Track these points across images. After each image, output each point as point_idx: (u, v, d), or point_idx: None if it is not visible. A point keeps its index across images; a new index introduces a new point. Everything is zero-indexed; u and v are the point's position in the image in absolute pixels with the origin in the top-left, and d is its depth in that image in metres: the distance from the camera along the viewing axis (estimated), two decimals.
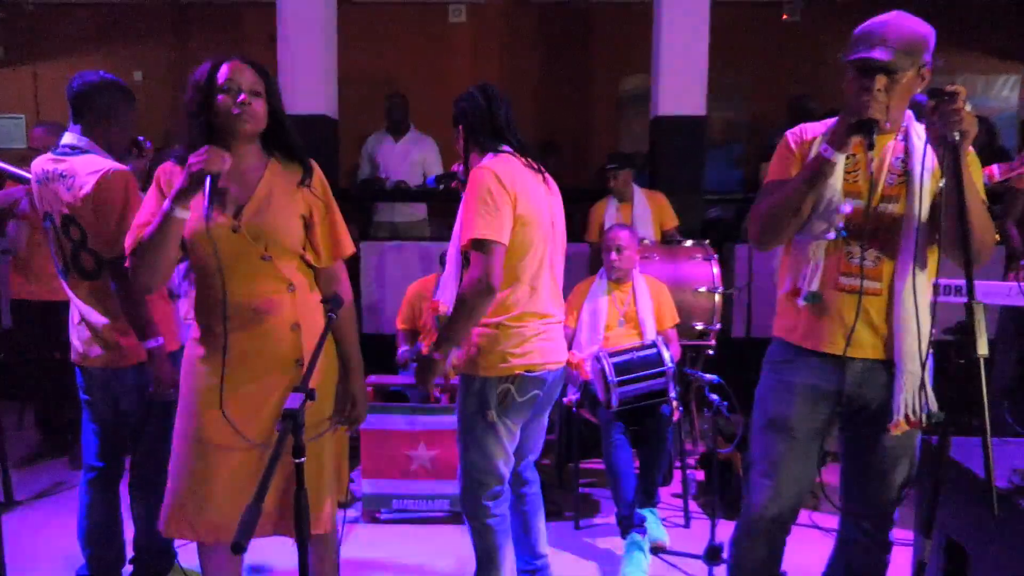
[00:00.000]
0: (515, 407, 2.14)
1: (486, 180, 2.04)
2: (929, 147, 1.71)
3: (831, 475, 2.01)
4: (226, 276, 1.82)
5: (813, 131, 1.89)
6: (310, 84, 4.82)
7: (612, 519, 3.08)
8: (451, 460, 3.12)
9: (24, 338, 3.77)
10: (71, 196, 2.20)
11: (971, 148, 1.70)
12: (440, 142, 5.63)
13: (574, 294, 3.48)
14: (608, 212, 4.41)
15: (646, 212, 4.41)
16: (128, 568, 2.52)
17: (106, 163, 2.23)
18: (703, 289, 3.82)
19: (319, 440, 1.90)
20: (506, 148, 2.15)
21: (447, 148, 5.56)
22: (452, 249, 2.20)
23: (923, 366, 1.80)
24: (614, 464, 2.99)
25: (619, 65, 6.86)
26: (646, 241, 4.12)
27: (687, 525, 3.23)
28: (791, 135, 1.92)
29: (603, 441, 3.10)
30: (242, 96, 1.78)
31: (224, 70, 1.81)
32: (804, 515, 3.10)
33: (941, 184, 1.73)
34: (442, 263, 3.70)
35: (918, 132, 1.81)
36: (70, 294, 2.33)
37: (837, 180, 1.80)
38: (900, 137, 1.83)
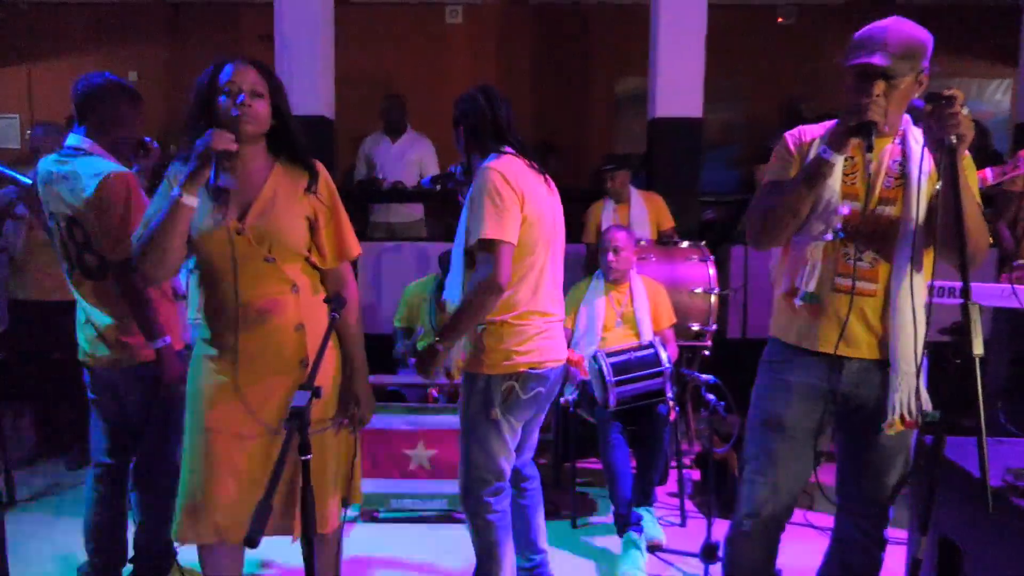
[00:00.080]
0: (519, 404, 2.17)
1: (494, 180, 2.06)
2: (926, 150, 1.74)
3: (826, 475, 2.03)
4: (231, 277, 1.83)
5: (812, 133, 1.91)
6: (307, 84, 4.82)
7: (609, 518, 3.10)
8: (449, 459, 3.13)
9: (22, 339, 3.76)
10: (74, 198, 2.21)
11: (967, 152, 1.72)
12: (437, 143, 5.64)
13: (571, 295, 3.49)
14: (605, 213, 4.43)
15: (643, 213, 4.43)
16: (128, 567, 2.52)
17: (108, 165, 2.23)
18: (699, 290, 3.84)
19: (322, 440, 1.91)
20: (508, 149, 2.18)
21: (444, 149, 5.57)
22: (457, 249, 2.21)
23: (918, 367, 1.83)
24: (611, 463, 3.02)
25: (615, 66, 6.89)
26: (643, 242, 4.14)
27: (683, 524, 3.25)
28: (790, 137, 1.94)
29: (600, 441, 3.12)
30: (241, 97, 1.78)
31: (226, 71, 1.81)
32: (799, 514, 3.12)
33: (937, 187, 1.76)
34: (441, 263, 3.73)
35: (915, 136, 1.84)
36: (76, 294, 2.34)
37: (835, 182, 1.82)
38: (897, 141, 1.85)
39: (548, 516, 2.54)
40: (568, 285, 3.49)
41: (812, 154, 1.83)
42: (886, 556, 2.04)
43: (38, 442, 4.03)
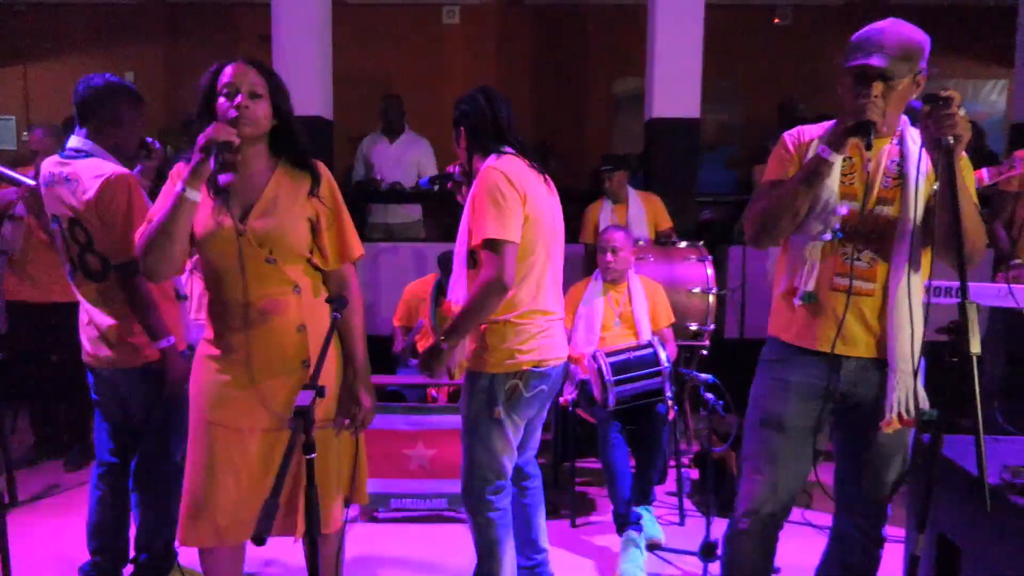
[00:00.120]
0: (522, 402, 2.19)
1: (496, 180, 2.07)
2: (924, 151, 1.75)
3: (825, 474, 2.04)
4: (233, 277, 1.84)
5: (811, 133, 1.93)
6: (305, 85, 4.82)
7: (608, 517, 3.11)
8: (449, 459, 3.14)
9: (20, 340, 3.75)
10: (75, 200, 2.22)
11: (964, 152, 1.74)
12: (435, 143, 5.65)
13: (570, 295, 3.50)
14: (603, 213, 4.44)
15: (641, 213, 4.45)
16: (130, 568, 2.52)
17: (109, 167, 2.23)
18: (697, 290, 3.86)
19: (323, 440, 1.91)
20: (508, 149, 2.19)
21: (442, 149, 5.58)
22: (459, 249, 2.22)
23: (916, 366, 1.84)
24: (611, 463, 3.03)
25: (613, 66, 6.90)
26: (641, 242, 4.15)
27: (682, 523, 3.27)
28: (789, 136, 1.96)
29: (599, 440, 3.13)
30: (238, 98, 1.78)
31: (226, 72, 1.81)
32: (797, 513, 3.14)
33: (935, 187, 1.77)
34: (440, 264, 3.73)
35: (913, 136, 1.85)
36: (78, 295, 2.34)
37: (834, 182, 1.83)
38: (895, 141, 1.87)
39: (547, 516, 2.55)
40: (566, 285, 3.50)
41: (811, 154, 1.84)
42: (885, 554, 2.06)
43: (36, 443, 4.03)
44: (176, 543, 2.46)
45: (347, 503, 2.01)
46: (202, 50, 6.89)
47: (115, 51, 6.88)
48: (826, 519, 2.49)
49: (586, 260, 4.58)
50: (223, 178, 1.78)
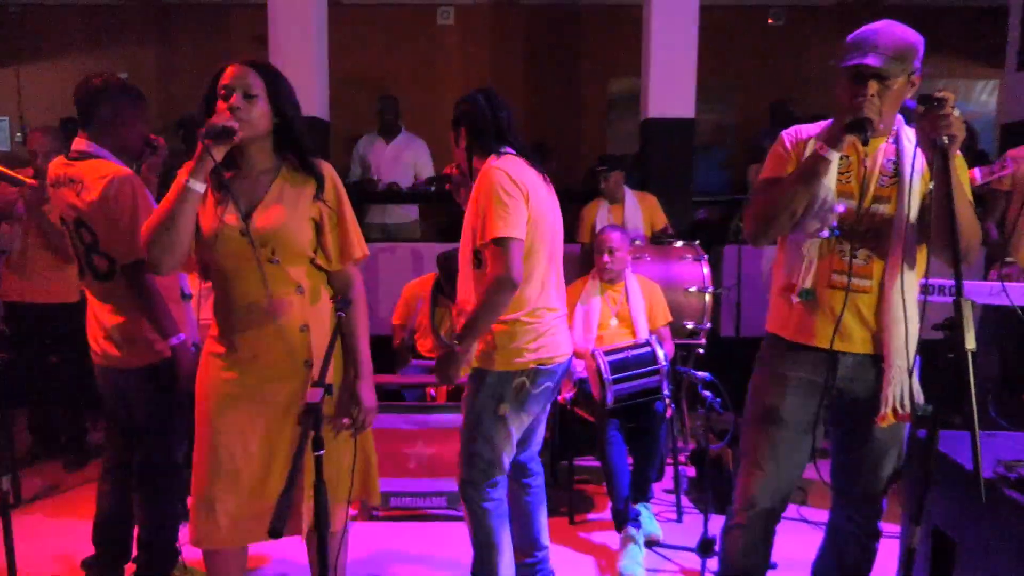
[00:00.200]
0: (529, 399, 2.21)
1: (499, 179, 2.09)
2: (919, 150, 1.78)
3: (823, 471, 2.07)
4: (236, 277, 1.85)
5: (808, 131, 1.95)
6: (301, 86, 4.74)
7: (606, 515, 3.13)
8: (448, 458, 3.15)
9: (18, 341, 3.75)
10: (80, 201, 2.23)
11: (958, 152, 1.77)
12: (431, 144, 5.67)
13: (567, 294, 3.52)
14: (600, 213, 4.47)
15: (637, 213, 4.48)
16: (132, 566, 2.53)
17: (112, 168, 2.24)
18: (693, 289, 3.88)
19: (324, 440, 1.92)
20: (509, 149, 2.21)
21: (438, 150, 5.60)
22: (464, 249, 2.24)
23: (910, 361, 1.87)
24: (610, 460, 3.05)
25: (608, 67, 6.92)
26: (637, 242, 4.18)
27: (679, 520, 3.29)
28: (786, 135, 1.98)
29: (598, 438, 3.15)
30: (232, 99, 1.78)
31: (225, 74, 1.82)
32: (792, 508, 3.14)
33: (930, 186, 1.80)
34: (439, 264, 3.74)
35: (908, 136, 1.88)
36: (88, 294, 2.36)
37: (831, 180, 1.86)
38: (891, 140, 1.90)
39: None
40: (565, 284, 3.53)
41: (808, 152, 1.87)
42: (880, 548, 2.09)
43: (34, 444, 4.02)
44: (178, 542, 2.49)
45: (349, 502, 2.00)
46: (196, 51, 6.89)
47: (109, 52, 6.86)
48: (821, 515, 2.52)
49: (582, 259, 4.60)
50: (225, 176, 1.78)
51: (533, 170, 2.21)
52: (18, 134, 6.87)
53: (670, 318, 3.60)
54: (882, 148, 1.89)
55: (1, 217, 3.60)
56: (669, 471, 3.61)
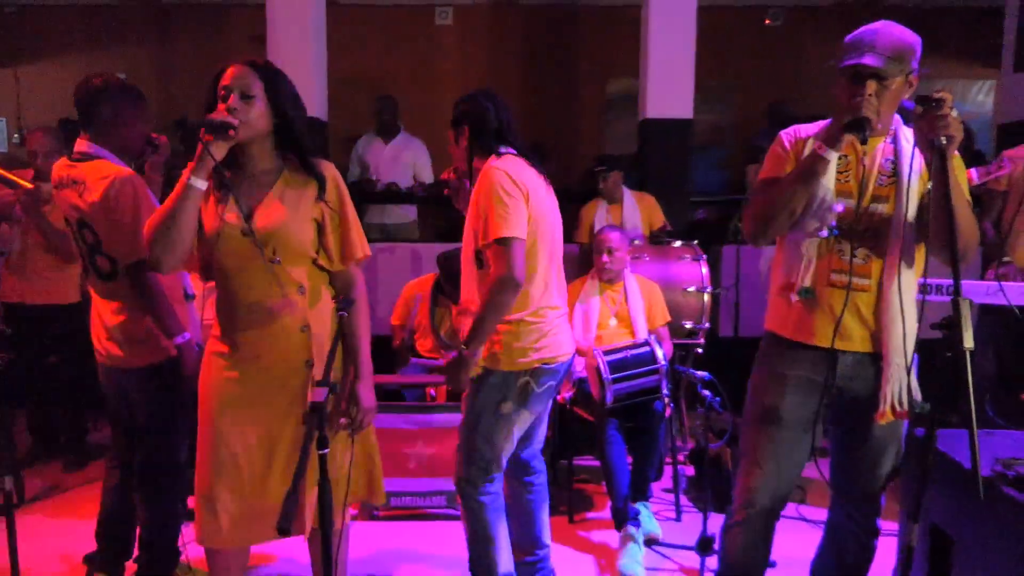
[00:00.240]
0: (533, 398, 2.22)
1: (500, 179, 2.10)
2: (917, 150, 1.79)
3: (824, 470, 2.08)
4: (238, 277, 1.86)
5: (806, 131, 1.97)
6: (299, 86, 4.73)
7: (605, 514, 3.14)
8: (448, 457, 3.16)
9: (18, 341, 3.75)
10: (82, 202, 2.24)
11: (956, 152, 1.78)
12: (429, 144, 5.67)
13: (567, 294, 3.53)
14: (598, 214, 4.49)
15: (635, 213, 4.49)
16: (134, 566, 2.53)
17: (114, 169, 2.25)
18: (692, 288, 3.90)
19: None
20: (509, 149, 2.22)
21: (436, 150, 5.60)
22: (466, 249, 2.25)
23: (908, 359, 1.88)
24: (609, 459, 3.06)
25: (606, 67, 6.93)
26: (636, 242, 4.19)
27: (678, 519, 3.30)
28: (785, 135, 2.00)
29: (597, 437, 3.16)
30: (230, 100, 1.79)
31: (225, 74, 1.83)
32: (791, 507, 3.17)
33: (929, 186, 1.82)
34: (439, 263, 3.75)
35: (906, 136, 1.89)
36: (92, 294, 2.37)
37: (830, 180, 1.87)
38: (889, 140, 1.91)
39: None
40: None
41: (807, 151, 1.88)
42: (878, 546, 2.10)
43: (34, 444, 4.02)
44: (179, 538, 2.49)
45: (347, 502, 2.00)
46: (195, 51, 6.88)
47: (107, 52, 6.85)
48: (819, 513, 2.53)
49: (580, 259, 4.61)
50: (227, 175, 1.78)
51: (533, 170, 2.23)
52: (15, 135, 6.86)
53: (669, 318, 3.61)
54: (880, 148, 1.91)
55: (0, 218, 3.59)
56: (668, 470, 3.62)
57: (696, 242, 4.16)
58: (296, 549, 2.86)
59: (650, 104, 4.91)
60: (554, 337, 2.23)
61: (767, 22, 6.97)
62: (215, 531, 1.88)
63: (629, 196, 4.53)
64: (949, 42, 6.52)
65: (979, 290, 2.75)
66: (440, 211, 5.86)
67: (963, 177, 1.92)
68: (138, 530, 2.48)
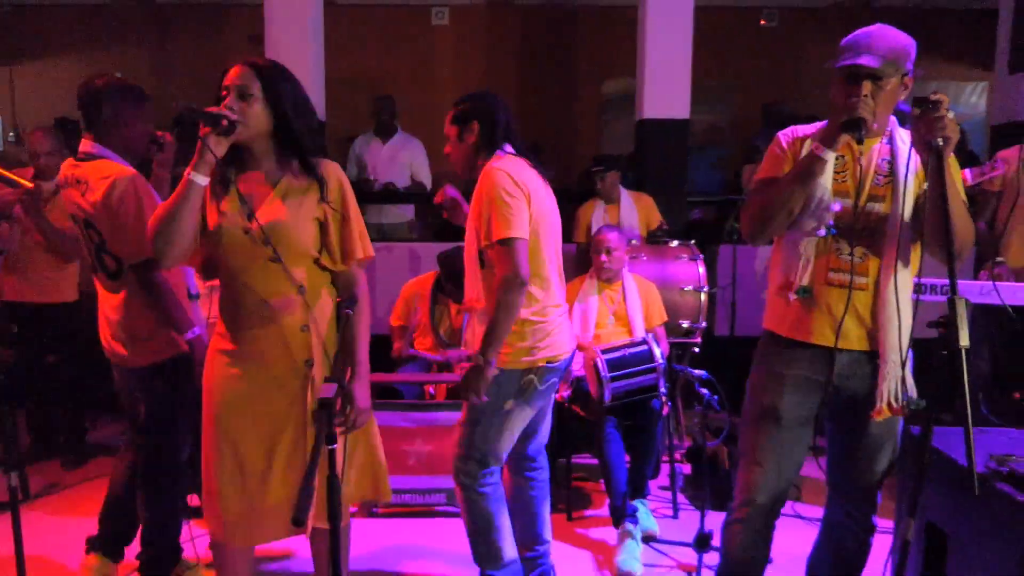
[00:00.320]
0: (536, 395, 2.25)
1: (501, 180, 2.12)
2: (913, 150, 1.82)
3: (816, 469, 2.11)
4: (240, 275, 1.87)
5: (804, 132, 1.99)
6: None
7: (603, 511, 3.16)
8: (447, 454, 3.16)
9: (17, 340, 3.75)
10: (85, 202, 2.26)
11: (951, 153, 1.81)
12: (426, 144, 5.68)
13: (565, 293, 3.55)
14: (596, 214, 4.50)
15: (633, 213, 4.51)
16: (135, 563, 2.54)
17: (115, 169, 2.26)
18: (689, 288, 3.92)
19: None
20: (509, 149, 2.24)
21: (434, 150, 5.61)
22: (469, 249, 2.27)
23: (904, 356, 1.91)
24: (607, 457, 3.08)
25: (603, 68, 6.96)
26: (634, 242, 4.21)
27: (675, 516, 3.33)
28: (783, 135, 2.02)
29: (596, 435, 3.18)
30: (228, 100, 1.80)
31: (228, 75, 1.84)
32: (787, 505, 3.18)
33: (924, 186, 1.84)
34: (440, 262, 3.77)
35: (902, 137, 1.92)
36: (99, 292, 2.38)
37: (827, 179, 1.90)
38: (885, 140, 1.94)
39: None
40: None
41: (804, 151, 1.90)
42: (873, 543, 2.12)
43: (34, 443, 4.02)
44: (181, 536, 2.50)
45: (364, 501, 2.01)
46: (192, 51, 6.88)
47: (103, 52, 6.84)
48: (815, 511, 2.55)
49: (578, 259, 4.63)
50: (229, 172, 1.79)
51: (533, 171, 2.25)
52: (11, 134, 6.84)
53: (666, 318, 3.64)
54: (876, 148, 1.93)
55: (0, 217, 3.59)
56: (665, 468, 3.64)
57: (693, 242, 4.19)
58: (298, 545, 2.88)
59: (647, 104, 4.92)
60: (557, 335, 2.26)
61: (762, 23, 7.00)
62: (218, 528, 1.90)
63: (626, 196, 4.55)
64: (944, 43, 6.57)
65: (973, 290, 2.78)
66: (437, 211, 5.87)
67: (958, 177, 1.94)
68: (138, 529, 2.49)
